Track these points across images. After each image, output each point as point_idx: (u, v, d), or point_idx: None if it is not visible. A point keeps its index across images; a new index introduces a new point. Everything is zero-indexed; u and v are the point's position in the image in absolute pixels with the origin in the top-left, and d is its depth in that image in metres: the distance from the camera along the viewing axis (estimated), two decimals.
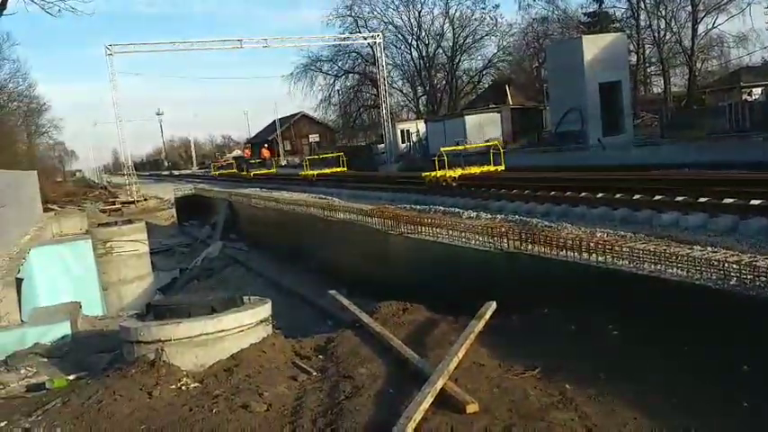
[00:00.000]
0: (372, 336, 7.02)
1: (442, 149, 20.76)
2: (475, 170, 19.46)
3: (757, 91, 43.20)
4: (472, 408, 4.76)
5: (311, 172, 32.46)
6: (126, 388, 5.64)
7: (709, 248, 6.61)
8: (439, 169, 18.94)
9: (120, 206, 35.91)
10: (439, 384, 5.08)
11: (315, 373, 6.18)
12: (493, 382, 5.29)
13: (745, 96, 41.22)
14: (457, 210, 13.53)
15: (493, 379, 5.38)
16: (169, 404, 5.44)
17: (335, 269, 13.46)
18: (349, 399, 5.26)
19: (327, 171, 32.50)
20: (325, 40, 50.45)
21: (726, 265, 5.38)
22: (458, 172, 18.83)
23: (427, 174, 19.32)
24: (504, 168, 19.67)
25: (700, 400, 4.49)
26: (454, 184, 18.16)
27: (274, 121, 75.96)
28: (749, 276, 5.18)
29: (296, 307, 12.67)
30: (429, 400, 4.85)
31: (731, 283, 5.28)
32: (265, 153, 58.49)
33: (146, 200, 39.09)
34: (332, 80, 61.03)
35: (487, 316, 6.79)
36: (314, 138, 74.70)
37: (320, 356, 6.84)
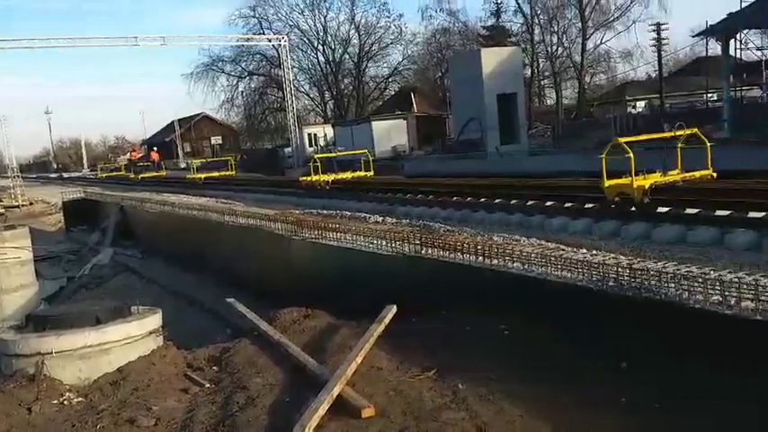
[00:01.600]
0: (271, 344, 6.91)
1: (315, 156, 23.08)
2: (347, 176, 20.24)
3: (641, 104, 46.37)
4: (368, 412, 4.79)
5: (198, 175, 32.16)
6: (3, 404, 5.26)
7: (593, 251, 6.99)
8: (314, 174, 19.85)
9: (3, 210, 33.53)
10: (336, 390, 5.07)
11: (208, 385, 6.01)
12: (390, 385, 5.34)
13: (630, 109, 44.17)
14: (364, 214, 13.60)
15: (390, 382, 5.43)
16: (50, 420, 5.13)
17: (238, 275, 13.15)
18: (243, 410, 5.14)
19: (216, 174, 32.32)
20: (227, 40, 49.49)
21: (604, 267, 5.71)
22: (331, 177, 19.86)
23: (304, 178, 20.48)
24: (372, 174, 20.67)
25: (582, 396, 4.73)
26: (327, 188, 19.36)
27: (173, 121, 73.27)
28: (626, 278, 5.52)
29: (194, 315, 12.28)
30: (325, 406, 4.83)
31: (610, 284, 5.61)
32: (154, 156, 55.88)
33: (31, 204, 36.68)
34: (235, 81, 59.82)
35: (387, 320, 6.85)
36: (216, 140, 72.68)
37: (215, 367, 6.65)
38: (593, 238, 9.19)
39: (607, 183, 9.83)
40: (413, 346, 6.25)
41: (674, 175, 10.14)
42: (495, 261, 6.81)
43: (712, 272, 5.32)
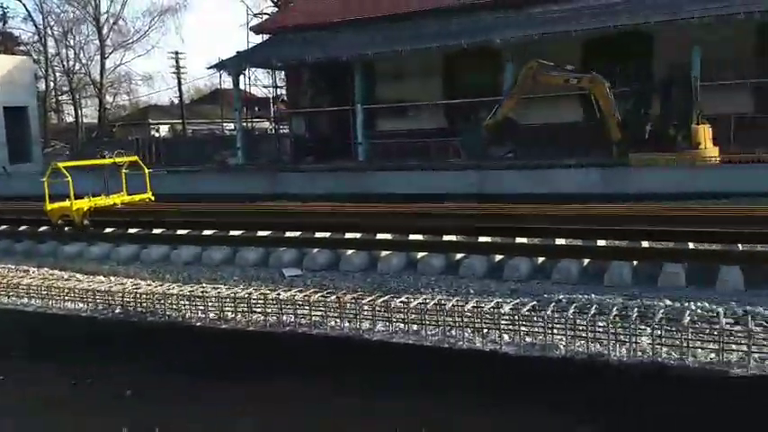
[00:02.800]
0: None
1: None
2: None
3: (165, 128, 47.32)
4: None
5: None
6: None
7: (101, 277, 6.64)
8: None
9: None
10: None
11: None
12: None
13: (154, 132, 44.62)
14: None
15: None
16: None
17: None
18: None
19: None
20: None
21: (107, 295, 5.47)
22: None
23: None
24: None
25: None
26: None
27: None
28: (132, 303, 5.40)
29: None
30: None
31: (116, 311, 5.40)
32: None
33: None
34: None
35: None
36: None
37: None
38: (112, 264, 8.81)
39: (49, 206, 10.15)
40: None
41: (116, 198, 10.82)
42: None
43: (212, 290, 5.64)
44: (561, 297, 5.25)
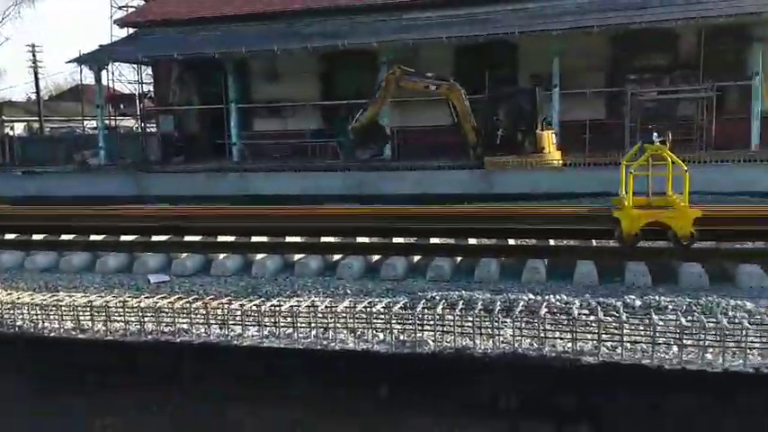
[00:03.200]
0: None
1: None
2: None
3: (20, 126, 43.67)
4: None
5: None
6: None
7: None
8: None
9: None
10: None
11: None
12: None
13: (8, 130, 41.01)
14: None
15: None
16: None
17: None
18: None
19: None
20: None
21: None
22: None
23: None
24: None
25: None
26: None
27: None
28: None
29: None
30: None
31: None
32: None
33: None
34: None
35: None
36: None
37: None
38: None
39: None
40: None
41: None
42: None
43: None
44: (434, 294, 5.37)
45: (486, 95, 18.60)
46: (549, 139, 16.71)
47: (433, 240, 7.57)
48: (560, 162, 16.55)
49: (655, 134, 6.52)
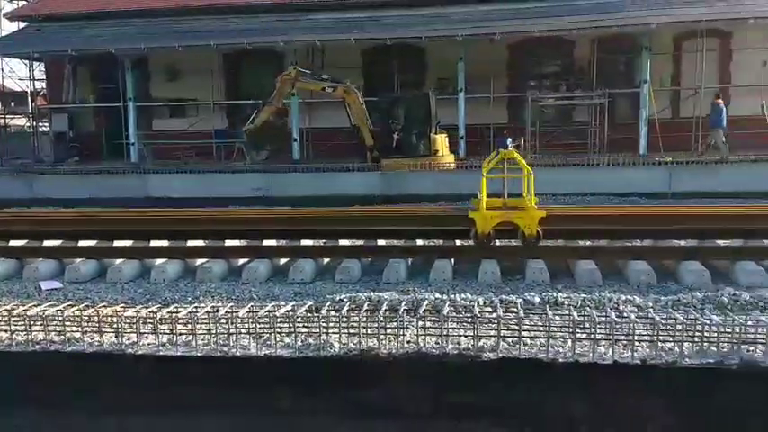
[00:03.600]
0: None
1: None
2: None
3: None
4: None
5: None
6: None
7: None
8: None
9: None
10: None
11: None
12: None
13: None
14: None
15: None
16: None
17: None
18: None
19: None
20: None
21: None
22: None
23: None
24: None
25: None
26: None
27: None
28: None
29: None
30: None
31: None
32: None
33: None
34: None
35: None
36: None
37: None
38: None
39: None
40: None
41: None
42: None
43: None
44: (342, 296, 5.33)
45: (382, 99, 18.81)
46: (442, 142, 17.15)
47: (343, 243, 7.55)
48: (453, 164, 17.07)
49: (509, 139, 6.98)
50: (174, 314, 4.09)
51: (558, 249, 6.91)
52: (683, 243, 6.96)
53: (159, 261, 7.18)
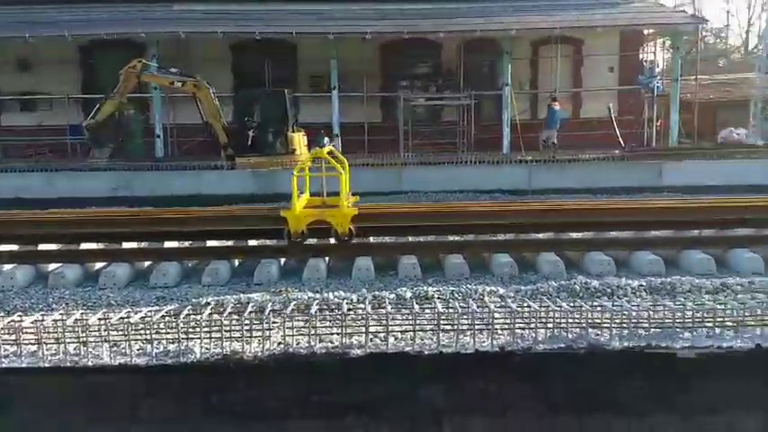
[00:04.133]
0: None
1: None
2: None
3: None
4: None
5: None
6: None
7: None
8: None
9: None
10: None
11: None
12: None
13: None
14: None
15: None
16: None
17: None
18: None
19: None
20: None
21: None
22: None
23: None
24: None
25: None
26: None
27: None
28: None
29: None
30: None
31: None
32: None
33: None
34: None
35: None
36: None
37: None
38: None
39: None
40: None
41: None
42: None
43: None
44: (210, 299, 5.11)
45: (237, 96, 18.32)
46: (299, 140, 16.89)
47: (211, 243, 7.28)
48: (310, 163, 16.79)
49: (326, 139, 7.21)
50: (17, 323, 3.73)
51: (383, 246, 7.12)
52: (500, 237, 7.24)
53: (8, 267, 6.57)
